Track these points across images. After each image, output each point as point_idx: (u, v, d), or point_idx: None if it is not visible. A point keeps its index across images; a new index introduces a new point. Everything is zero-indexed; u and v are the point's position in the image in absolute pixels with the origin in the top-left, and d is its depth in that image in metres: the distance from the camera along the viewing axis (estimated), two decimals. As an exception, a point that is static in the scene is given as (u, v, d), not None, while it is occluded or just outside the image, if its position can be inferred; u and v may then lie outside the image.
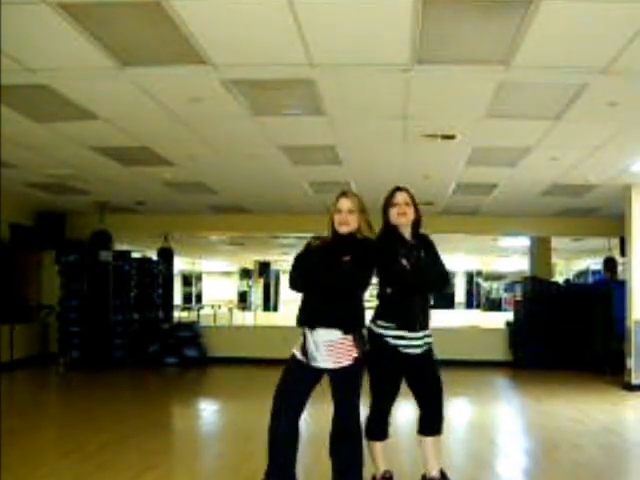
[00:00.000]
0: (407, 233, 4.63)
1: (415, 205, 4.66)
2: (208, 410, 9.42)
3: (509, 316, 14.79)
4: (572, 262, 28.49)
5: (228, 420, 8.57)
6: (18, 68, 5.39)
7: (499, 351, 13.54)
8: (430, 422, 4.62)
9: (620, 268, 14.49)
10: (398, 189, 4.71)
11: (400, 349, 4.50)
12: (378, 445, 4.71)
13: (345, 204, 4.50)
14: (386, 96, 6.22)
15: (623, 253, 12.36)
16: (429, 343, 4.61)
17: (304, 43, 4.92)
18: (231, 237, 18.87)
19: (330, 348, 4.32)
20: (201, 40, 4.88)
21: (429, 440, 4.63)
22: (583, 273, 27.54)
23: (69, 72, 5.58)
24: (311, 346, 4.35)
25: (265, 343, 13.01)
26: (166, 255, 15.56)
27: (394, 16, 4.50)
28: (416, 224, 4.66)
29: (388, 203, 4.67)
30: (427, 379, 4.64)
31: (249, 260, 30.49)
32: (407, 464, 5.30)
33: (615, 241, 14.40)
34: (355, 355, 4.33)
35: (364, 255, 4.40)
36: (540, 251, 16.05)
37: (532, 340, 13.06)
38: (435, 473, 4.60)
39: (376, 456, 4.72)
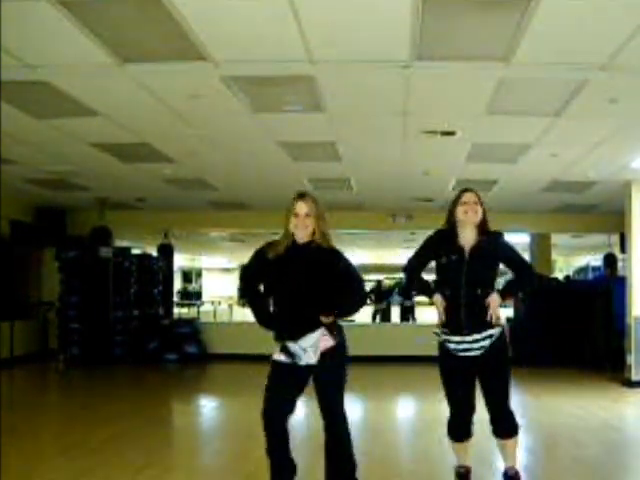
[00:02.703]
0: (471, 233, 4.58)
1: (482, 206, 4.63)
2: (208, 407, 9.42)
3: (509, 312, 14.78)
4: (572, 258, 28.52)
5: (228, 417, 8.57)
6: (18, 64, 5.38)
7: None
8: (496, 424, 4.61)
9: (620, 264, 14.47)
10: (467, 189, 4.70)
11: (457, 353, 4.52)
12: (456, 445, 4.79)
13: (302, 208, 4.39)
14: (386, 92, 6.21)
15: (623, 249, 12.36)
16: (485, 346, 4.49)
17: (304, 40, 4.91)
18: (231, 233, 18.87)
19: (314, 346, 4.34)
20: (201, 36, 4.87)
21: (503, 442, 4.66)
22: (583, 269, 27.56)
23: (69, 69, 5.58)
24: (297, 350, 4.34)
25: (265, 340, 12.91)
26: (166, 251, 15.55)
27: (394, 13, 4.49)
28: (483, 224, 4.61)
29: (456, 202, 4.63)
30: (489, 381, 4.59)
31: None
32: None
33: (615, 237, 14.40)
34: (331, 343, 4.34)
35: (326, 267, 4.36)
36: (540, 247, 16.05)
37: (532, 337, 13.04)
38: (505, 467, 4.67)
39: (456, 452, 4.83)
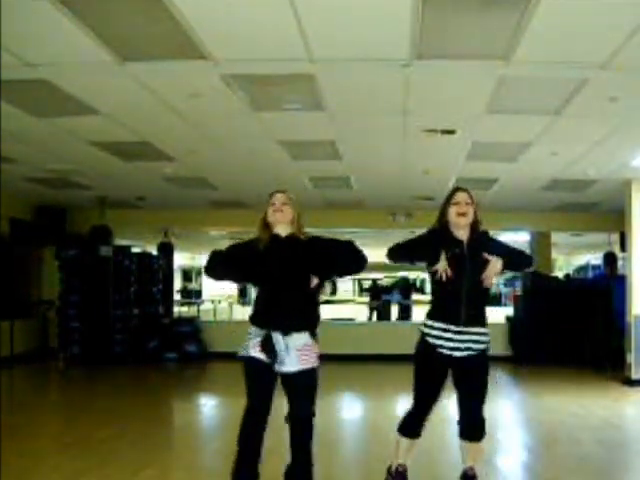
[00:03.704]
0: (463, 233, 4.56)
1: (475, 205, 4.61)
2: (208, 405, 9.44)
3: (509, 311, 14.80)
4: (572, 257, 28.52)
5: (228, 415, 8.55)
6: (18, 63, 5.38)
7: (499, 346, 13.50)
8: (467, 428, 4.59)
9: (620, 263, 14.48)
10: (459, 189, 4.67)
11: (440, 350, 4.48)
12: (406, 441, 4.73)
13: (279, 198, 4.48)
14: (386, 91, 6.21)
15: (623, 248, 12.35)
16: (473, 348, 4.47)
17: (304, 38, 4.91)
18: (231, 232, 18.84)
19: (300, 352, 4.31)
20: (201, 35, 4.87)
21: (468, 445, 4.64)
22: (583, 268, 27.56)
23: (69, 67, 5.57)
24: (281, 349, 4.30)
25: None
26: (166, 250, 15.55)
27: (394, 11, 4.49)
28: (474, 225, 4.59)
29: (448, 202, 4.60)
30: (468, 385, 4.55)
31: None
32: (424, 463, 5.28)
33: (615, 236, 14.38)
34: (316, 361, 4.37)
35: (311, 251, 4.40)
36: (540, 246, 16.03)
37: (532, 335, 13.06)
38: (465, 467, 4.63)
39: (399, 449, 4.75)
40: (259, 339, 4.35)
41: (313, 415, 4.38)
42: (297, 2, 4.34)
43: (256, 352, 4.35)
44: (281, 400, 4.43)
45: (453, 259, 4.48)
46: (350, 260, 4.49)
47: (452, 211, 4.55)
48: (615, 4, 4.32)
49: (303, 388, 4.37)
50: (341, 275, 4.90)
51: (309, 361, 4.34)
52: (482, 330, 4.50)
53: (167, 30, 4.80)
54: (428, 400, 4.61)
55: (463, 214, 4.53)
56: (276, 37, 4.95)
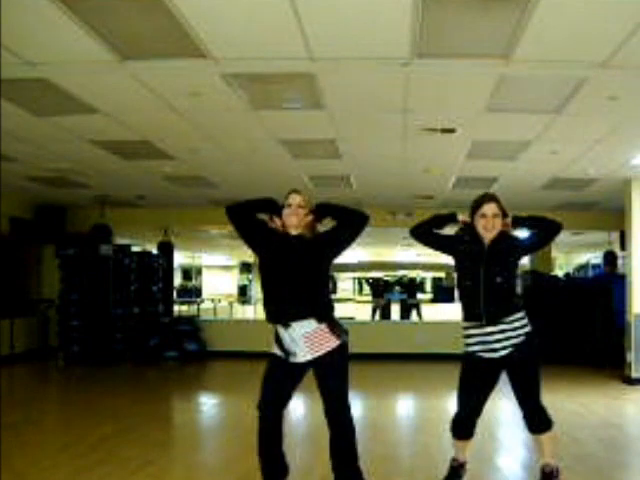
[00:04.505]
0: (489, 235, 4.57)
1: (504, 213, 4.60)
2: (208, 404, 9.43)
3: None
4: (572, 256, 28.49)
5: (228, 414, 8.57)
6: (18, 62, 5.38)
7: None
8: (528, 421, 4.69)
9: (620, 262, 14.48)
10: (487, 198, 4.63)
11: (480, 354, 4.53)
12: (458, 442, 4.82)
13: (295, 198, 4.55)
14: (386, 90, 6.21)
15: (623, 247, 12.35)
16: (511, 343, 4.50)
17: (304, 37, 4.91)
18: (231, 231, 18.79)
19: (307, 339, 4.33)
20: (201, 34, 4.87)
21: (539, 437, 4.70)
22: (583, 267, 27.53)
23: (69, 66, 5.57)
24: (287, 342, 4.36)
25: (265, 337, 12.92)
26: (166, 249, 15.56)
27: (394, 10, 4.49)
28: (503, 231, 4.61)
29: (476, 211, 4.60)
30: (518, 379, 4.66)
31: (249, 254, 30.44)
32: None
33: (615, 235, 14.39)
34: (334, 344, 4.35)
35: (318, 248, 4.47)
36: (540, 245, 16.01)
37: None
38: (547, 460, 4.69)
39: (457, 447, 4.86)
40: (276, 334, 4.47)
41: (345, 395, 4.42)
42: (297, 1, 4.34)
43: (276, 349, 4.47)
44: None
45: (470, 255, 4.50)
46: (349, 213, 4.54)
47: (479, 224, 4.57)
48: (615, 3, 4.32)
49: (328, 370, 4.39)
50: (348, 231, 4.60)
51: (323, 345, 4.34)
52: (514, 317, 4.50)
53: (167, 29, 4.80)
54: (470, 403, 4.67)
55: (491, 228, 4.55)
56: (276, 36, 4.95)
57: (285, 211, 4.52)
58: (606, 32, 4.77)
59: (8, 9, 4.41)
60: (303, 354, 4.35)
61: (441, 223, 4.77)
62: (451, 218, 4.75)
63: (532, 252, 4.73)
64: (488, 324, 4.47)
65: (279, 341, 4.42)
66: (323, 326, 4.35)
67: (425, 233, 4.75)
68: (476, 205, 4.63)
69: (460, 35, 4.92)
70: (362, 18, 4.62)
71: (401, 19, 4.60)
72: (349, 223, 4.51)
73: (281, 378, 4.44)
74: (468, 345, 4.61)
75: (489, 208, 4.56)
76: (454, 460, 4.87)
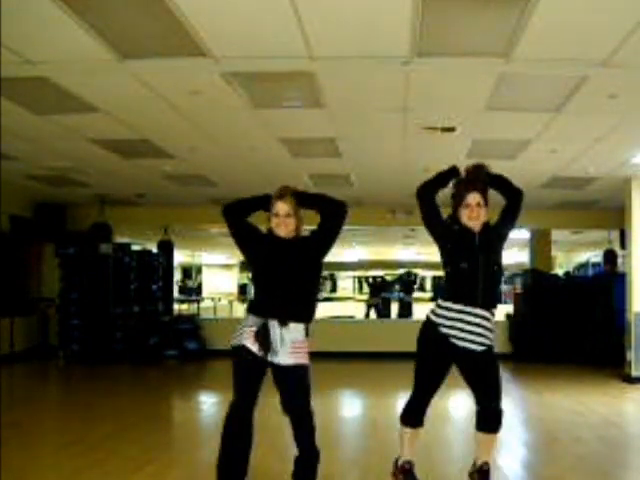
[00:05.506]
0: (476, 225, 4.52)
1: (487, 202, 4.52)
2: (208, 403, 9.43)
3: (509, 308, 14.80)
4: (572, 254, 28.50)
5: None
6: (18, 61, 5.38)
7: (499, 343, 13.44)
8: (484, 419, 4.61)
9: (620, 260, 14.49)
10: (469, 187, 4.50)
11: (451, 340, 4.44)
12: (409, 432, 4.70)
13: (282, 208, 4.43)
14: (386, 89, 6.21)
15: (623, 245, 12.36)
16: (482, 342, 4.45)
17: (304, 35, 4.91)
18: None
19: (294, 346, 4.30)
20: (201, 32, 4.87)
21: (483, 436, 4.65)
22: (583, 266, 27.52)
23: (69, 65, 5.57)
24: (277, 340, 4.29)
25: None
26: (166, 248, 15.56)
27: (394, 9, 4.49)
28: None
29: (459, 202, 4.51)
30: (483, 377, 4.55)
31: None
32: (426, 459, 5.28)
33: (615, 233, 14.40)
34: (306, 361, 4.36)
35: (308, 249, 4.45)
36: (540, 243, 16.04)
37: (532, 333, 13.07)
38: (480, 462, 4.63)
39: (403, 442, 4.72)
40: (254, 328, 4.30)
41: (311, 412, 4.37)
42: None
43: (249, 342, 4.30)
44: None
45: (464, 241, 4.48)
46: (328, 201, 4.53)
47: (463, 214, 4.50)
48: (614, 1, 4.32)
49: (297, 382, 4.36)
50: (332, 221, 4.57)
51: (302, 357, 4.33)
52: (494, 311, 4.51)
53: (167, 27, 4.80)
54: (429, 388, 4.60)
55: (476, 217, 4.49)
56: (276, 34, 4.95)
57: (273, 220, 4.44)
58: (606, 31, 4.77)
59: (8, 8, 4.41)
60: (284, 357, 4.28)
61: (445, 179, 4.70)
62: (453, 172, 4.68)
63: (508, 230, 4.66)
64: (482, 307, 4.44)
65: (263, 333, 4.26)
66: (304, 340, 4.35)
67: (430, 192, 4.65)
68: (459, 194, 4.53)
69: (460, 34, 4.92)
70: (362, 17, 4.62)
71: (401, 18, 4.60)
72: (332, 213, 4.49)
73: (255, 376, 4.33)
74: (439, 325, 4.46)
75: (472, 198, 4.48)
76: (406, 463, 4.70)
